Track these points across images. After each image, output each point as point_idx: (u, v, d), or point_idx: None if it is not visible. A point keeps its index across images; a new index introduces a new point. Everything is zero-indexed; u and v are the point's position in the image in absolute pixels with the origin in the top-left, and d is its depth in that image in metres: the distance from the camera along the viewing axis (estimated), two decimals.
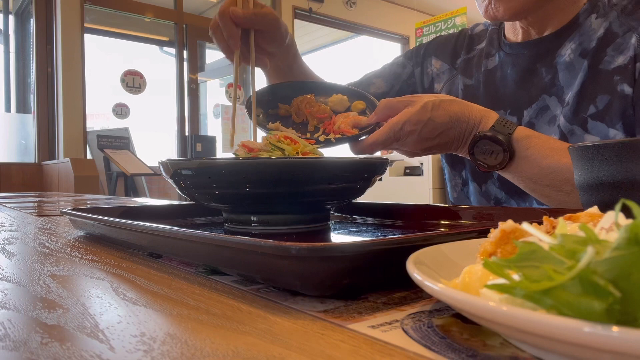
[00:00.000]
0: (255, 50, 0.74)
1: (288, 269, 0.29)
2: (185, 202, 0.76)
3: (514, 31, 0.82)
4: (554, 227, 0.26)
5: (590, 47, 0.71)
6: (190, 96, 4.79)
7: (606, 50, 0.70)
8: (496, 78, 0.83)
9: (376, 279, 0.31)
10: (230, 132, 0.68)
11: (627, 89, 0.67)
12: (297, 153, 0.56)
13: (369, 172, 0.54)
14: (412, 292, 0.31)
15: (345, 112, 0.75)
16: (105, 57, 4.63)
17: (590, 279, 0.16)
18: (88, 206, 0.94)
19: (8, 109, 4.49)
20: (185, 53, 4.77)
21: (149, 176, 4.03)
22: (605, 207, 0.24)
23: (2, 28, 4.49)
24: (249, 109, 0.70)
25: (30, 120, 4.33)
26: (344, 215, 0.72)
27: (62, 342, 0.22)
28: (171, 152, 4.92)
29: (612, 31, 0.70)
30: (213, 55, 5.16)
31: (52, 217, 0.91)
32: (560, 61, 0.74)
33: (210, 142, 4.65)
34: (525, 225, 0.22)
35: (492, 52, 0.85)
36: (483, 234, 0.32)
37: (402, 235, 0.34)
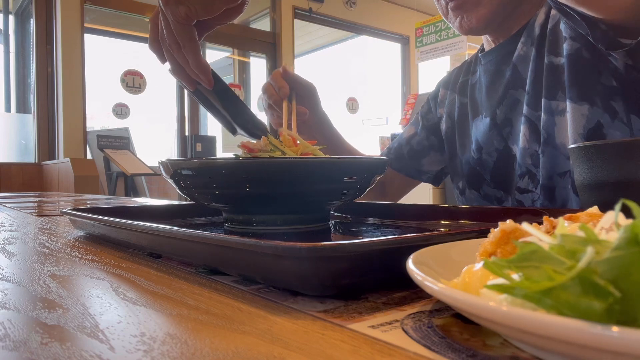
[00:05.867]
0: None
1: (288, 269, 0.29)
2: (185, 202, 0.76)
3: (488, 45, 0.86)
4: (554, 227, 0.26)
5: (536, 35, 0.75)
6: (190, 96, 4.79)
7: (546, 32, 0.73)
8: (476, 90, 0.87)
9: (376, 279, 0.31)
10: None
11: (555, 60, 0.70)
12: (297, 154, 0.56)
13: (369, 172, 0.54)
14: (412, 292, 0.31)
15: None
16: (105, 57, 4.62)
17: (590, 279, 0.16)
18: (88, 206, 0.94)
19: (8, 109, 4.49)
20: None
21: (149, 176, 4.03)
22: (605, 207, 0.24)
23: (2, 28, 4.49)
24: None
25: (30, 120, 4.33)
26: (344, 215, 0.72)
27: (62, 342, 0.22)
28: (171, 152, 4.92)
29: (549, 15, 0.74)
30: (213, 55, 5.16)
31: (52, 217, 0.91)
32: (515, 56, 0.78)
33: (210, 142, 4.65)
34: (525, 225, 0.22)
35: (475, 69, 0.90)
36: (483, 234, 0.32)
37: (402, 235, 0.34)
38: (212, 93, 0.62)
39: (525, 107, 0.74)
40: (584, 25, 0.59)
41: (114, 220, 0.50)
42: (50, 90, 4.19)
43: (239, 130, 0.66)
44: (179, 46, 0.56)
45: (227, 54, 5.38)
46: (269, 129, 0.65)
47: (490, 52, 0.83)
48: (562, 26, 0.70)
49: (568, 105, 0.67)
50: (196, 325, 0.24)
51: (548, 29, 0.72)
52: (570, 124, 0.67)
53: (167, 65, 0.62)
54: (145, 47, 4.84)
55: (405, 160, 1.00)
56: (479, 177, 0.84)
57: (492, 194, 0.83)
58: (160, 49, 0.60)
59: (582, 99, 0.66)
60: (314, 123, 0.90)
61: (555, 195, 0.71)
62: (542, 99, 0.71)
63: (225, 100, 0.63)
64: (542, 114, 0.71)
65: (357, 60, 6.60)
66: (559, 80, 0.69)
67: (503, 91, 0.79)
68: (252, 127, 0.64)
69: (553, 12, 0.73)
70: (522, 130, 0.74)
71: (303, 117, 0.83)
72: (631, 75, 0.63)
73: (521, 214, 0.53)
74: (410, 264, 0.24)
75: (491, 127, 0.81)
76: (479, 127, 0.83)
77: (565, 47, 0.68)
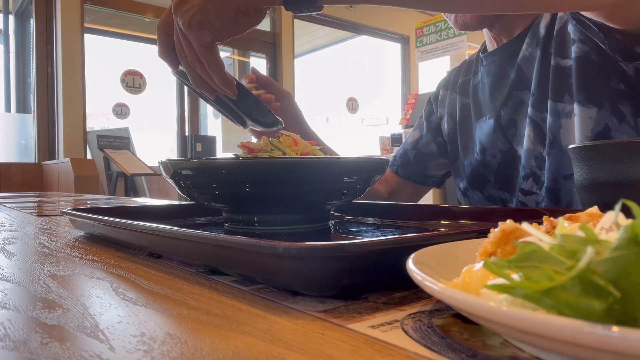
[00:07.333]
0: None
1: (288, 269, 0.29)
2: (185, 202, 0.76)
3: (490, 44, 0.85)
4: (554, 227, 0.26)
5: (541, 36, 0.74)
6: (190, 96, 4.79)
7: (553, 34, 0.73)
8: (478, 91, 0.87)
9: (376, 279, 0.31)
10: None
11: (562, 62, 0.70)
12: (297, 154, 0.56)
13: (369, 172, 0.54)
14: (412, 292, 0.31)
15: None
16: (105, 57, 4.62)
17: (590, 279, 0.16)
18: (88, 206, 0.94)
19: (8, 109, 4.49)
20: None
21: (149, 176, 4.03)
22: (605, 207, 0.24)
23: (2, 28, 4.49)
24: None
25: (30, 120, 4.33)
26: (344, 215, 0.72)
27: (62, 342, 0.22)
28: (171, 152, 4.92)
29: (555, 16, 0.73)
30: None
31: (52, 217, 0.91)
32: (520, 57, 0.77)
33: (210, 142, 4.65)
34: (525, 225, 0.22)
35: (477, 70, 0.89)
36: (483, 234, 0.32)
37: (402, 235, 0.34)
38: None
39: (530, 109, 0.74)
40: (599, 35, 0.58)
41: (114, 220, 0.50)
42: (50, 90, 4.19)
43: (248, 122, 0.68)
44: (202, 64, 0.56)
45: (227, 54, 5.37)
46: (281, 122, 0.66)
47: (494, 52, 0.82)
48: (570, 28, 0.69)
49: (576, 108, 0.67)
50: (196, 325, 0.24)
51: (555, 31, 0.72)
52: (577, 127, 0.67)
53: (167, 64, 0.62)
54: (145, 47, 4.85)
55: (412, 166, 0.98)
56: (482, 178, 0.84)
57: (497, 196, 0.83)
58: (172, 57, 0.60)
59: (590, 102, 0.66)
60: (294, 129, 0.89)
61: (560, 198, 0.70)
62: (548, 101, 0.70)
63: (241, 101, 0.64)
64: (548, 115, 0.71)
65: (357, 60, 6.60)
66: (566, 83, 0.69)
67: (507, 92, 0.79)
68: (261, 117, 0.65)
69: (560, 13, 0.72)
70: (527, 131, 0.74)
71: (270, 104, 0.83)
72: None
73: (521, 214, 0.53)
74: (410, 264, 0.24)
75: (495, 129, 0.80)
76: (483, 129, 0.83)
77: (574, 49, 0.68)
